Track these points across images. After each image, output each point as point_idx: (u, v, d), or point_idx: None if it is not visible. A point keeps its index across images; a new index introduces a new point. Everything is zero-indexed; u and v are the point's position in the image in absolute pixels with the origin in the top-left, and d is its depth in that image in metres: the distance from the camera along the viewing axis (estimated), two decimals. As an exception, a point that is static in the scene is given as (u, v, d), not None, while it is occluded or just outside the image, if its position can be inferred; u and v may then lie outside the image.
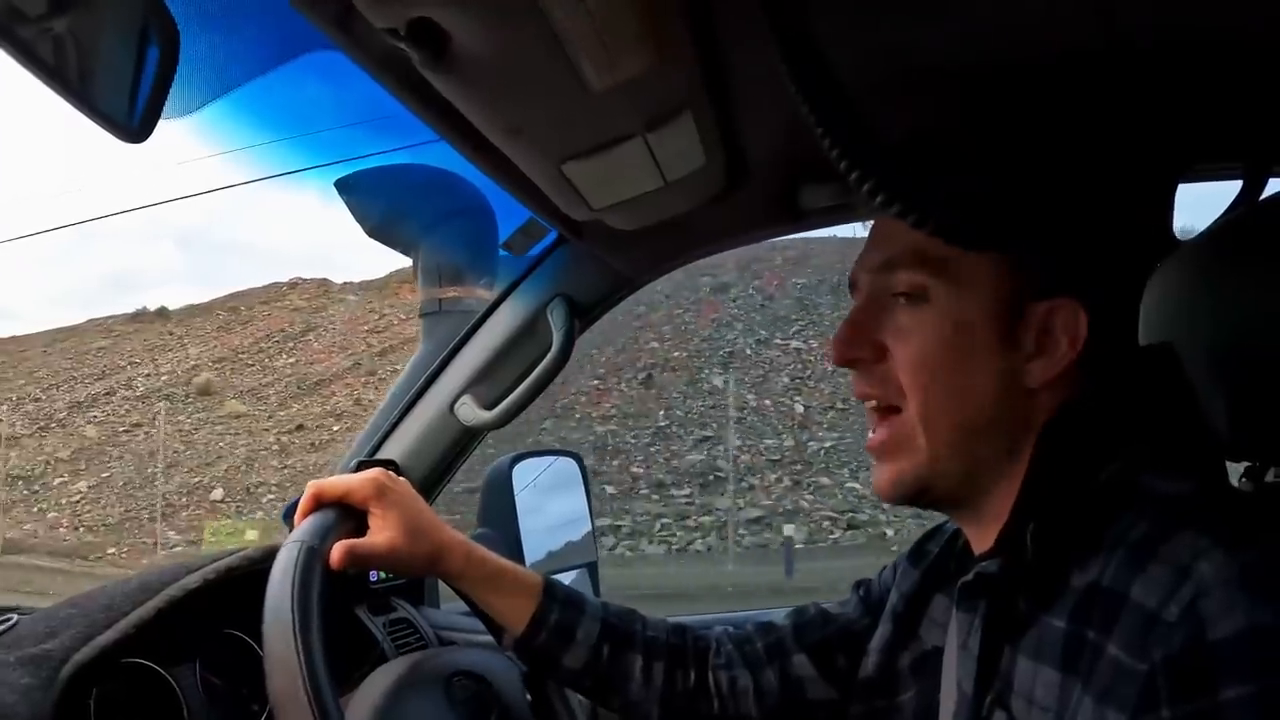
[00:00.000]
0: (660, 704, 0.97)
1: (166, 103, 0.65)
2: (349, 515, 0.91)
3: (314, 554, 0.83)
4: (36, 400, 22.70)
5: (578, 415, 17.06)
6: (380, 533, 0.91)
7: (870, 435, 0.76)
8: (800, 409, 16.72)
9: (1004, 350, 0.69)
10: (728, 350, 18.81)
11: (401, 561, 0.92)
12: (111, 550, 15.49)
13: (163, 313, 27.14)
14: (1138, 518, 0.61)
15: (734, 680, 0.98)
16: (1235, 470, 0.82)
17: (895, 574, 0.95)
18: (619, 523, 13.99)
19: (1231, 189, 0.91)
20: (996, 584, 0.69)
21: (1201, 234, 0.82)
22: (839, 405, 16.22)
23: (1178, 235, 0.79)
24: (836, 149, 0.62)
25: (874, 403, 0.75)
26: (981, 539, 0.75)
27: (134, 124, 0.63)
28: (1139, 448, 0.67)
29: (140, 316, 26.89)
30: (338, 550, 0.87)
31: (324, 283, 26.37)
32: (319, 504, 0.91)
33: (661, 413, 16.93)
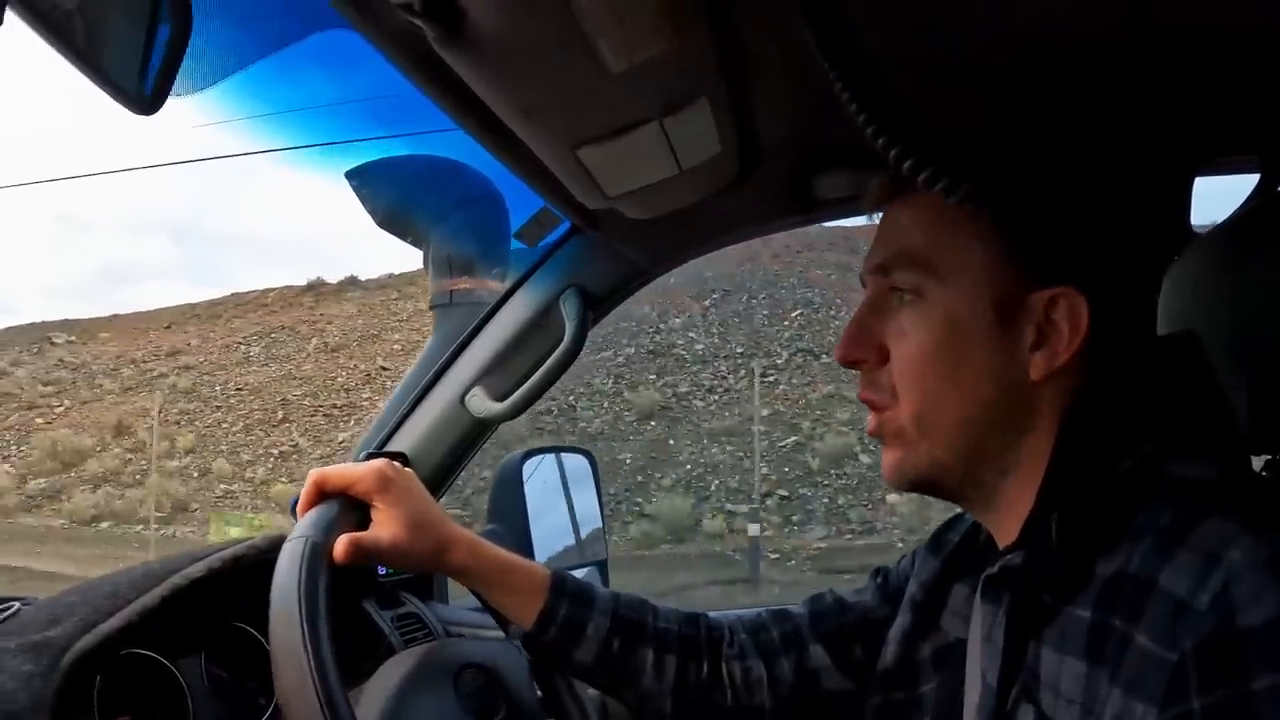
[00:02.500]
0: (673, 696, 0.95)
1: (177, 78, 0.64)
2: (353, 507, 0.89)
3: (319, 549, 0.81)
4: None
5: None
6: (384, 527, 0.88)
7: (869, 420, 0.77)
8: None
9: (1002, 345, 0.69)
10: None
11: (405, 557, 0.90)
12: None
13: (353, 281, 26.79)
14: (1164, 505, 0.60)
15: (748, 670, 0.96)
16: (1254, 465, 0.80)
17: (914, 563, 0.94)
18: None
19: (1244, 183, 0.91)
20: (1020, 576, 0.68)
21: (1218, 225, 0.82)
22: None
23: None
24: (862, 114, 0.63)
25: (872, 405, 0.76)
26: (1003, 531, 0.74)
27: (145, 96, 0.62)
28: (1163, 435, 0.65)
29: (318, 287, 26.59)
30: (341, 544, 0.85)
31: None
32: (322, 495, 0.89)
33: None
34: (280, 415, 21.72)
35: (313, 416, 21.41)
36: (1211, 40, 0.79)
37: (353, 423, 20.46)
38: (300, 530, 0.83)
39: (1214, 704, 0.51)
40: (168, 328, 26.50)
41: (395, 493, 0.89)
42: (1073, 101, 0.73)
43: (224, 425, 21.71)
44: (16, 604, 0.94)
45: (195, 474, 19.86)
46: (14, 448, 21.38)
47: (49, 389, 23.62)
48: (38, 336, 26.83)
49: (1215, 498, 0.59)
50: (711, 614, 1.03)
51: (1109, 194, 0.69)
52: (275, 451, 20.57)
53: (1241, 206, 0.85)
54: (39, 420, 22.33)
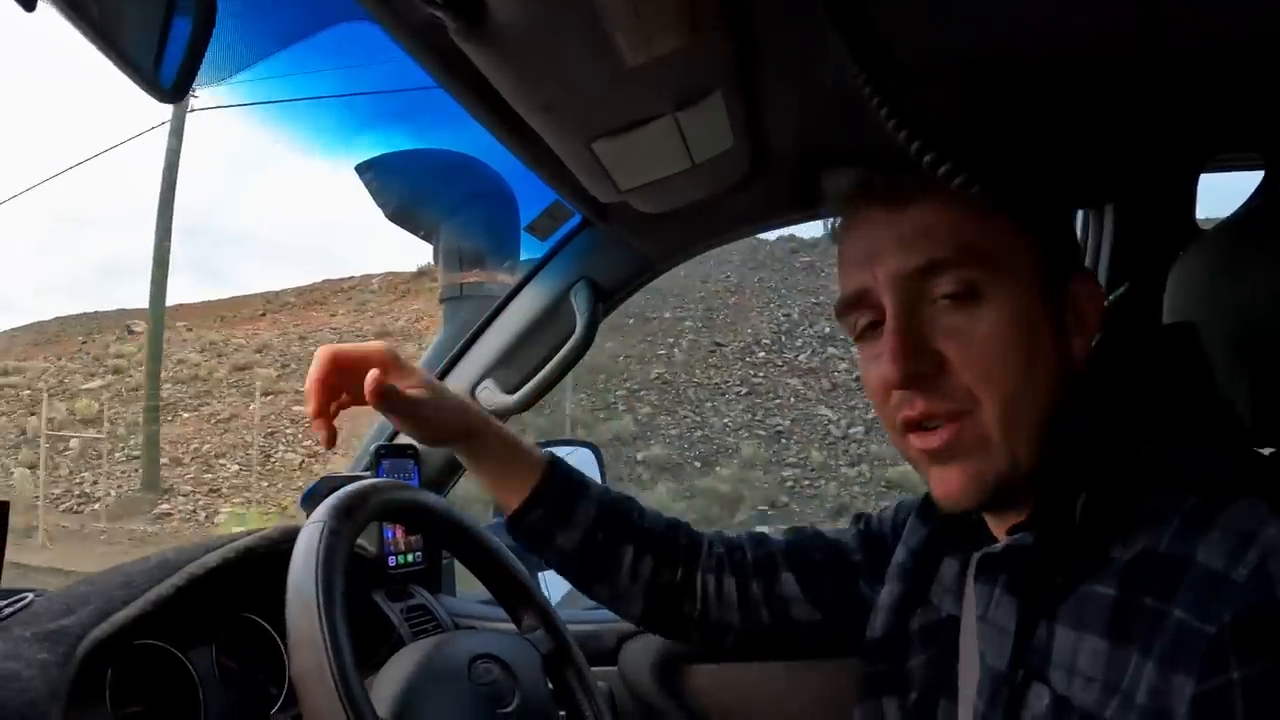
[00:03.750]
0: (644, 596, 0.97)
1: (200, 69, 0.65)
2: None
3: (337, 535, 0.82)
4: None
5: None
6: (411, 388, 0.91)
7: (928, 437, 0.71)
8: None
9: (1058, 331, 0.70)
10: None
11: (430, 416, 0.93)
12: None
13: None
14: (1185, 489, 0.61)
15: (721, 585, 0.98)
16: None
17: (897, 517, 0.95)
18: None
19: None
20: (1030, 556, 0.68)
21: (1224, 221, 0.83)
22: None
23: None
24: (896, 120, 0.63)
25: (939, 421, 0.70)
26: (1001, 516, 0.75)
27: (169, 84, 0.62)
28: (1177, 421, 0.66)
29: (430, 272, 25.57)
30: (372, 380, 0.87)
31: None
32: (336, 366, 0.90)
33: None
34: (670, 396, 17.46)
35: (716, 399, 17.28)
36: (1217, 40, 0.80)
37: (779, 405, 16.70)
38: (317, 517, 0.84)
39: (1253, 675, 0.51)
40: (262, 315, 25.31)
41: (408, 365, 0.92)
42: (1084, 98, 0.73)
43: (615, 410, 17.46)
44: (30, 595, 0.94)
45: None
46: (308, 440, 17.44)
47: (270, 371, 20.88)
48: (109, 324, 25.87)
49: (1240, 482, 0.60)
50: (693, 527, 1.04)
51: (1125, 187, 0.70)
52: (697, 434, 16.20)
53: (1246, 203, 0.86)
54: (299, 407, 18.88)
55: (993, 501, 0.71)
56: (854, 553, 0.97)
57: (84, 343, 24.25)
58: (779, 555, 0.99)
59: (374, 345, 0.90)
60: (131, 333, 24.78)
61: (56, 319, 27.72)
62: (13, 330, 26.87)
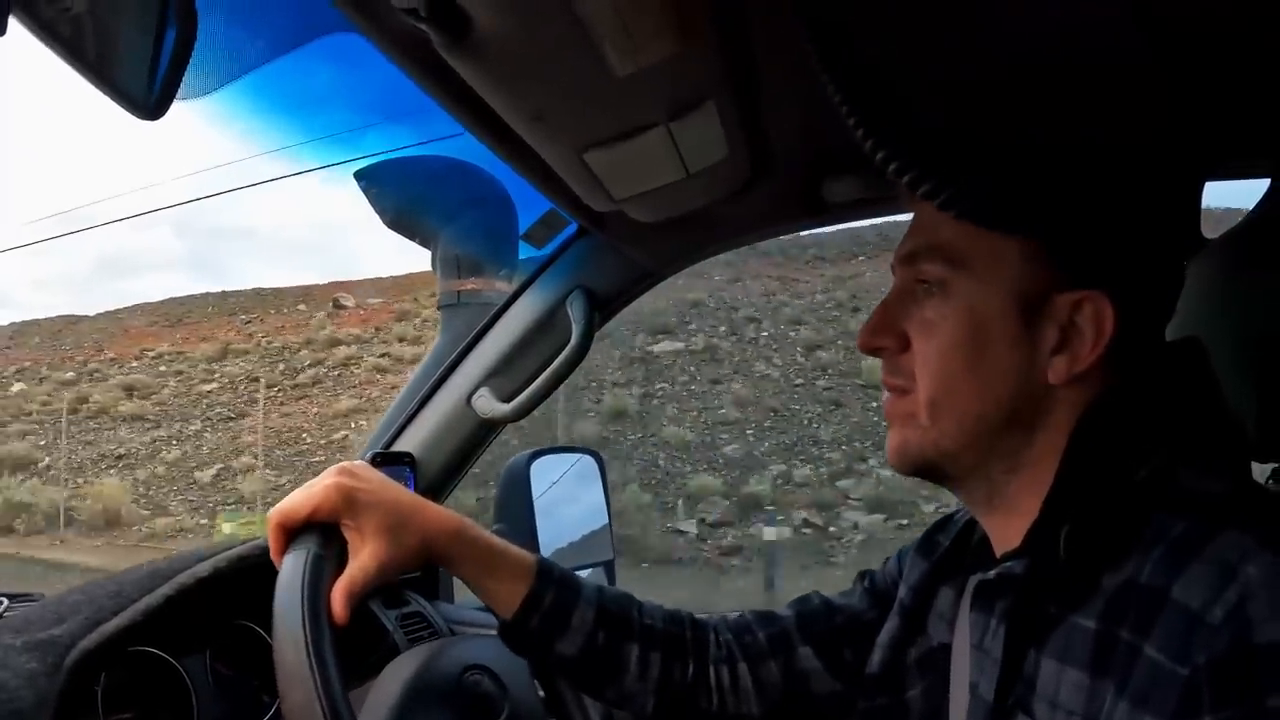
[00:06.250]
0: (656, 696, 0.92)
1: (182, 83, 0.64)
2: (332, 532, 0.84)
3: (321, 560, 0.79)
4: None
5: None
6: (362, 549, 0.82)
7: (885, 400, 0.77)
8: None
9: (1024, 343, 0.68)
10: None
11: (397, 566, 0.84)
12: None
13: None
14: (1176, 515, 0.60)
15: (735, 675, 0.94)
16: (1260, 472, 0.81)
17: (900, 565, 0.93)
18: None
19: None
20: (1021, 584, 0.67)
21: (1229, 232, 0.82)
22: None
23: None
24: (864, 129, 0.62)
25: (891, 389, 0.76)
26: (1004, 536, 0.73)
27: (150, 102, 0.62)
28: (1175, 444, 0.65)
29: None
30: (337, 603, 0.79)
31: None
32: (289, 533, 0.83)
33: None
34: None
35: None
36: (1221, 46, 0.79)
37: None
38: (301, 542, 0.81)
39: None
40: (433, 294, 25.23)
41: (360, 503, 0.84)
42: (1089, 106, 0.72)
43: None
44: (5, 600, 0.95)
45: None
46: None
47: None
48: (317, 302, 25.54)
49: (1231, 510, 0.59)
50: (696, 614, 1.00)
51: (1136, 199, 0.68)
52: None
53: (1252, 212, 0.85)
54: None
55: (923, 474, 0.75)
56: (865, 612, 0.94)
57: (247, 323, 24.28)
58: (791, 630, 0.95)
59: (320, 497, 0.83)
60: (341, 306, 24.43)
61: (172, 299, 27.69)
62: (118, 311, 26.97)
